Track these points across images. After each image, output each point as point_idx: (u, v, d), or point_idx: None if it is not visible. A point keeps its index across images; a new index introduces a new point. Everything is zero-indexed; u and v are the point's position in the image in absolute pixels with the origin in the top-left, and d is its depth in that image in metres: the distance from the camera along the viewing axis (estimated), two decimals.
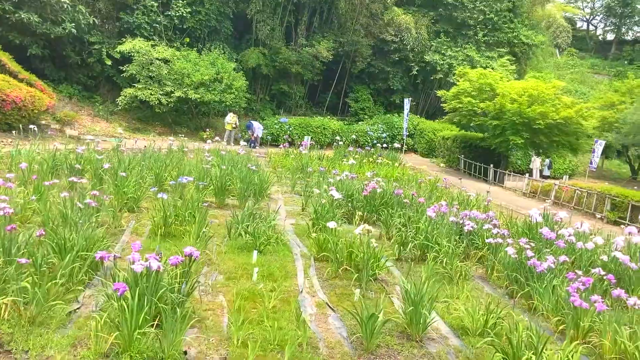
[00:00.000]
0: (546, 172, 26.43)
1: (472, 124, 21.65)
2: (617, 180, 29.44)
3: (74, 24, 20.30)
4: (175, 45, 23.75)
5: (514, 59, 31.32)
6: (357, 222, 8.43)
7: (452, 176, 19.56)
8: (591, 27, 64.36)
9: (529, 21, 33.02)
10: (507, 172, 21.32)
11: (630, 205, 14.21)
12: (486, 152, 22.51)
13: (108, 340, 4.31)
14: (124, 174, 8.53)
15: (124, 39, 21.94)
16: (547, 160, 26.88)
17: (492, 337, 5.04)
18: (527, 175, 20.64)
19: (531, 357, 4.66)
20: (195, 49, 24.14)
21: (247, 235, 7.91)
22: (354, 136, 25.85)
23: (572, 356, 4.85)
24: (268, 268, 6.99)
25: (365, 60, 30.32)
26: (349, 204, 10.41)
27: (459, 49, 30.59)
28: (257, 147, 22.21)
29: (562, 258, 7.13)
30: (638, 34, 60.09)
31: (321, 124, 25.94)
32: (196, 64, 22.27)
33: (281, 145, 19.70)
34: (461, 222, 8.65)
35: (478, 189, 15.50)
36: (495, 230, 8.24)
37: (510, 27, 31.84)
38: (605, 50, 59.52)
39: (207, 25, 24.90)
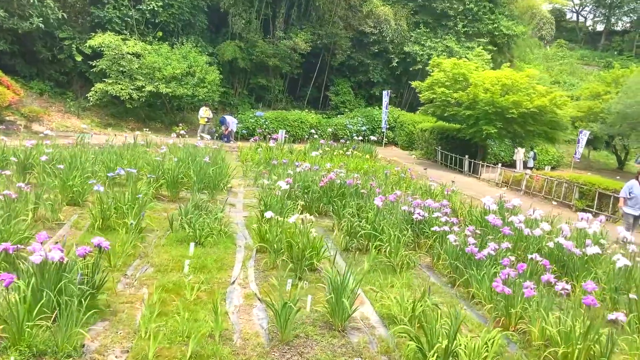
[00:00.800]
0: (530, 164, 26.28)
1: (446, 115, 21.49)
2: (603, 171, 29.42)
3: (41, 19, 19.96)
4: (148, 39, 23.42)
5: (495, 49, 31.16)
6: (300, 212, 8.29)
7: (423, 167, 19.45)
8: (581, 18, 64.44)
9: (510, 12, 32.84)
10: (481, 163, 21.22)
11: (597, 193, 14.13)
12: (463, 143, 22.39)
13: None
14: (61, 167, 8.32)
15: (94, 34, 21.62)
16: (532, 152, 26.76)
17: (405, 325, 4.90)
18: (499, 165, 20.56)
19: (445, 344, 4.53)
20: (168, 42, 23.82)
21: (189, 227, 7.73)
22: (330, 129, 25.64)
23: (491, 344, 4.73)
24: (204, 260, 6.83)
25: (345, 53, 30.07)
26: (305, 195, 10.27)
27: (438, 39, 30.37)
28: (231, 142, 21.98)
29: (505, 245, 7.01)
30: (627, 25, 60.20)
31: (298, 118, 25.68)
32: (167, 57, 21.98)
33: (252, 140, 19.50)
34: (413, 211, 8.52)
35: (451, 179, 15.34)
36: (444, 219, 8.12)
37: (491, 18, 31.68)
38: (595, 41, 59.63)
39: (180, 19, 24.58)
